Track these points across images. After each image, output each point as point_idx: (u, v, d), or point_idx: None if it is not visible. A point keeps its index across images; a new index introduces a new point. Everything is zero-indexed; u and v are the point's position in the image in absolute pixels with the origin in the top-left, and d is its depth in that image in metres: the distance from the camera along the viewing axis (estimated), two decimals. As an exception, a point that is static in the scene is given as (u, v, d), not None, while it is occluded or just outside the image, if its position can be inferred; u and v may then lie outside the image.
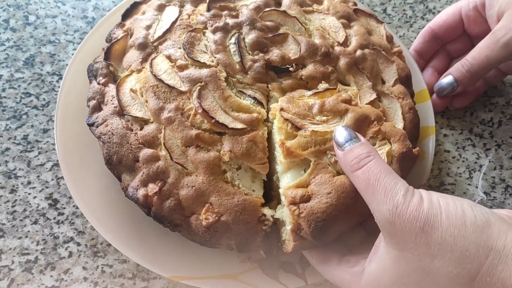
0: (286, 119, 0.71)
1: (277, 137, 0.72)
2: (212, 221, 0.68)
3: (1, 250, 0.78)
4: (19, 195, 0.83)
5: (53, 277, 0.76)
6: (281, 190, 0.70)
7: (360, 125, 0.72)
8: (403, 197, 0.56)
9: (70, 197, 0.83)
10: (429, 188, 0.87)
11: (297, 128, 0.71)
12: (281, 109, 0.72)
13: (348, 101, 0.75)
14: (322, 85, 0.78)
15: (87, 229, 0.80)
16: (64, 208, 0.82)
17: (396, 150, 0.73)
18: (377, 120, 0.74)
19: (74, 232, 0.80)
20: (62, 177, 0.84)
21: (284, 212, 0.70)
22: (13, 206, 0.82)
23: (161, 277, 0.77)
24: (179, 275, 0.72)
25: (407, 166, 0.74)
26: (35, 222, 0.81)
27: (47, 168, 0.85)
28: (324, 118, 0.73)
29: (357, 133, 0.67)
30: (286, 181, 0.70)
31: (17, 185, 0.83)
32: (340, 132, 0.67)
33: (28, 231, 0.80)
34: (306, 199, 0.67)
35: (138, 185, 0.71)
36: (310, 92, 0.76)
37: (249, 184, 0.72)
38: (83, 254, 0.78)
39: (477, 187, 0.88)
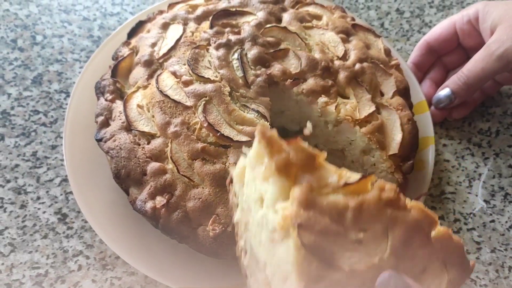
0: (310, 251, 0.43)
1: (294, 279, 0.43)
2: (219, 232, 0.70)
3: (12, 264, 0.79)
4: (29, 210, 0.84)
5: (63, 290, 0.78)
6: None
7: (410, 244, 0.47)
8: None
9: (79, 212, 0.84)
10: (429, 197, 0.89)
11: (327, 265, 0.43)
12: (299, 225, 0.43)
13: (394, 202, 0.47)
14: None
15: (96, 242, 0.82)
16: (73, 222, 0.84)
17: (454, 280, 0.49)
18: (430, 228, 0.49)
19: (83, 246, 0.82)
20: (70, 192, 0.86)
21: None
22: (23, 221, 0.83)
23: (169, 288, 0.78)
24: (188, 286, 0.73)
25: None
26: (45, 237, 0.82)
27: (55, 184, 0.87)
28: (361, 235, 0.45)
29: (413, 285, 0.45)
30: None
31: (27, 200, 0.85)
32: None
33: (38, 245, 0.81)
34: None
35: (146, 198, 0.72)
36: (335, 178, 0.47)
37: (254, 195, 0.73)
38: (92, 267, 0.80)
39: (477, 196, 0.90)
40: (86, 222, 0.83)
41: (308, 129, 0.52)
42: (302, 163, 0.47)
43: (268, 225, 0.47)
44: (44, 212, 0.84)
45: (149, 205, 0.72)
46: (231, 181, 0.61)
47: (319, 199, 0.45)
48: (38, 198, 0.86)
